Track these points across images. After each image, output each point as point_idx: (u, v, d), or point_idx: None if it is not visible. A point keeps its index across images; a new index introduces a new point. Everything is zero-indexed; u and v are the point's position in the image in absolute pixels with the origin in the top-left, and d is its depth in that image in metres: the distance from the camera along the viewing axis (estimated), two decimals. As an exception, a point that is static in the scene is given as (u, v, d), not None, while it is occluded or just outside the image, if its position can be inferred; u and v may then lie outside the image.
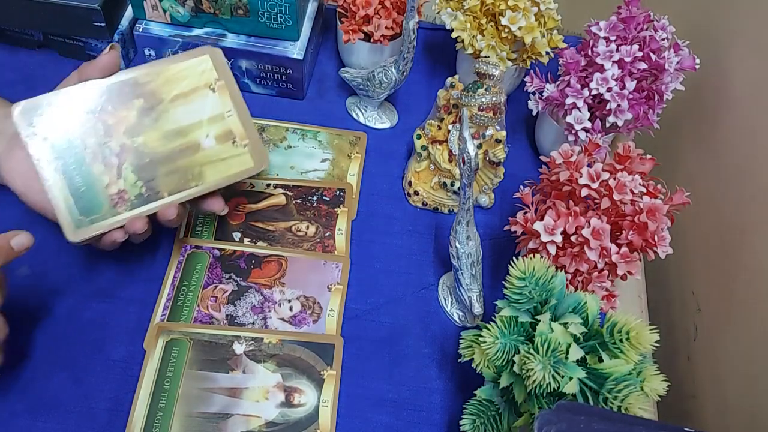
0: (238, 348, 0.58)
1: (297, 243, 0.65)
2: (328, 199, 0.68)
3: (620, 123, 0.65)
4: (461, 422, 0.51)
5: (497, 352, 0.48)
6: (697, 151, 0.78)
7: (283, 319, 0.61)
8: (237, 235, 0.65)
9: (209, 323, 0.59)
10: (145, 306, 0.60)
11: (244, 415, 0.55)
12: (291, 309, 0.61)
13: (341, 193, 0.69)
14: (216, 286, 0.62)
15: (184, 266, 0.62)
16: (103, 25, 0.70)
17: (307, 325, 0.61)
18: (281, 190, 0.69)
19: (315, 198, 0.68)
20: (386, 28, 0.70)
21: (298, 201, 0.68)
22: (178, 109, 0.55)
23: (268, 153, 0.70)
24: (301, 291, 0.62)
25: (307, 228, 0.66)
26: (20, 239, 0.50)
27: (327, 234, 0.66)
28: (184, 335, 0.58)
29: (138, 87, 0.55)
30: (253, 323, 0.60)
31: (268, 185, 0.69)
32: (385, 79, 0.69)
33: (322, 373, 0.58)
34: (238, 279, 0.62)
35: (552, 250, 0.54)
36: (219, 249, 0.64)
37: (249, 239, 0.65)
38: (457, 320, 0.63)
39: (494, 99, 0.62)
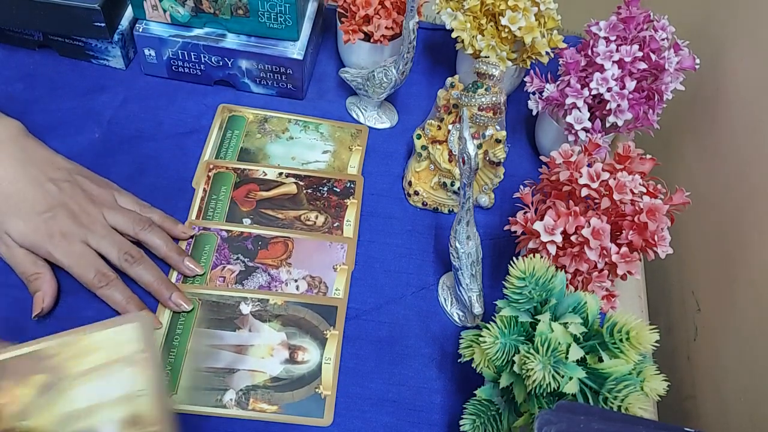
0: (245, 308, 0.60)
1: (305, 232, 0.66)
2: (338, 190, 0.69)
3: (620, 123, 0.65)
4: (461, 422, 0.51)
5: (497, 352, 0.48)
6: (697, 151, 0.78)
7: None
8: (247, 222, 0.66)
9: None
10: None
11: (249, 370, 0.57)
12: (297, 288, 0.63)
13: (352, 186, 0.70)
14: (224, 267, 0.63)
15: (193, 247, 0.64)
16: (103, 25, 0.70)
17: None
18: (293, 180, 0.70)
19: (326, 189, 0.69)
20: (386, 28, 0.70)
21: (309, 191, 0.69)
22: (82, 388, 0.44)
23: None
24: (307, 271, 0.64)
25: (316, 218, 0.67)
26: None
27: (335, 225, 0.67)
28: (194, 296, 0.61)
29: (42, 361, 0.44)
30: None
31: (280, 174, 0.70)
32: (385, 79, 0.69)
33: (325, 332, 0.60)
34: (246, 260, 0.64)
35: (552, 250, 0.54)
36: (227, 231, 0.65)
37: (258, 226, 0.66)
38: (457, 320, 0.63)
39: (494, 99, 0.62)
